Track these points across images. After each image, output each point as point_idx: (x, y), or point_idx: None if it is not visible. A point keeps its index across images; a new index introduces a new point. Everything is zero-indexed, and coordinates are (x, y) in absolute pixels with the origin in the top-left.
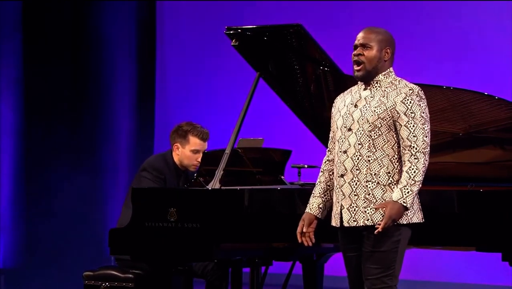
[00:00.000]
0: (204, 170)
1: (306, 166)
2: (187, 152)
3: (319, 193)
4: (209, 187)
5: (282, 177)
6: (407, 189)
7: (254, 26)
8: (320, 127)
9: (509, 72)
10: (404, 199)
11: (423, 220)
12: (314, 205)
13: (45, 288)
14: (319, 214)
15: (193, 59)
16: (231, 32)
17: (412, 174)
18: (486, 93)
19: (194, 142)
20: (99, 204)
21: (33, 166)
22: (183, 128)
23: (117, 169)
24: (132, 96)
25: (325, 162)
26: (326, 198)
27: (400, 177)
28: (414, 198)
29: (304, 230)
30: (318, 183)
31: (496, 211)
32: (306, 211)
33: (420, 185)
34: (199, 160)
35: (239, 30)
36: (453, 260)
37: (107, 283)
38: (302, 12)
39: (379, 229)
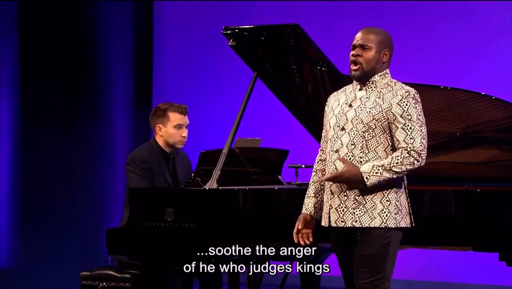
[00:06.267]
0: (201, 170)
1: (303, 165)
2: (170, 129)
3: (313, 193)
4: (206, 187)
5: (279, 177)
6: (379, 169)
7: (251, 26)
8: (317, 127)
9: (509, 72)
10: (368, 175)
11: (412, 224)
12: (309, 205)
13: (42, 288)
14: (315, 214)
15: (191, 60)
16: (228, 32)
17: (393, 162)
18: (483, 93)
19: (175, 117)
20: (96, 203)
21: (30, 166)
22: (160, 108)
23: (114, 168)
24: (129, 96)
25: (317, 162)
26: (320, 198)
27: (392, 180)
28: (378, 180)
29: (300, 227)
30: (312, 183)
31: (493, 211)
32: (302, 211)
33: (393, 177)
34: (184, 134)
35: (236, 30)
36: (450, 260)
37: (104, 283)
38: (300, 12)
39: (325, 178)
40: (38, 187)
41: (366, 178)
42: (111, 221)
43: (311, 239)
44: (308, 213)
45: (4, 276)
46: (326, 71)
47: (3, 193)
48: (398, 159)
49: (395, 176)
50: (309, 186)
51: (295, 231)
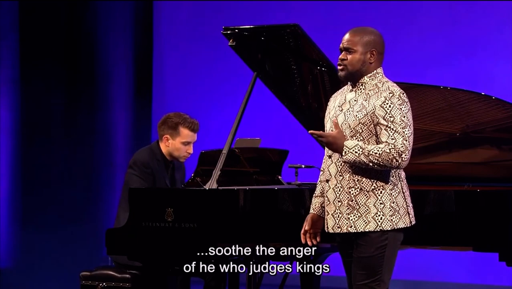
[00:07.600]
0: (201, 170)
1: (303, 166)
2: (178, 143)
3: (321, 192)
4: (206, 187)
5: (279, 177)
6: (359, 150)
7: (251, 26)
8: (317, 127)
9: (509, 72)
10: (348, 150)
11: (412, 223)
12: (316, 205)
13: (42, 288)
14: (322, 213)
15: (191, 60)
16: (228, 32)
17: (373, 151)
18: (483, 93)
19: (185, 134)
20: (95, 203)
21: (29, 165)
22: (172, 120)
23: (114, 168)
24: (129, 96)
25: (325, 161)
26: None
27: (384, 182)
28: (354, 160)
29: (307, 228)
30: (319, 182)
31: (493, 211)
32: (310, 211)
33: (369, 165)
34: (190, 151)
35: (236, 30)
36: (450, 260)
37: (104, 283)
38: (300, 12)
39: (311, 131)
40: (38, 186)
41: (345, 152)
42: (111, 221)
43: (318, 239)
44: (315, 213)
45: (4, 276)
46: (326, 71)
47: (3, 192)
48: (378, 150)
49: (370, 164)
50: (317, 185)
51: (302, 231)
